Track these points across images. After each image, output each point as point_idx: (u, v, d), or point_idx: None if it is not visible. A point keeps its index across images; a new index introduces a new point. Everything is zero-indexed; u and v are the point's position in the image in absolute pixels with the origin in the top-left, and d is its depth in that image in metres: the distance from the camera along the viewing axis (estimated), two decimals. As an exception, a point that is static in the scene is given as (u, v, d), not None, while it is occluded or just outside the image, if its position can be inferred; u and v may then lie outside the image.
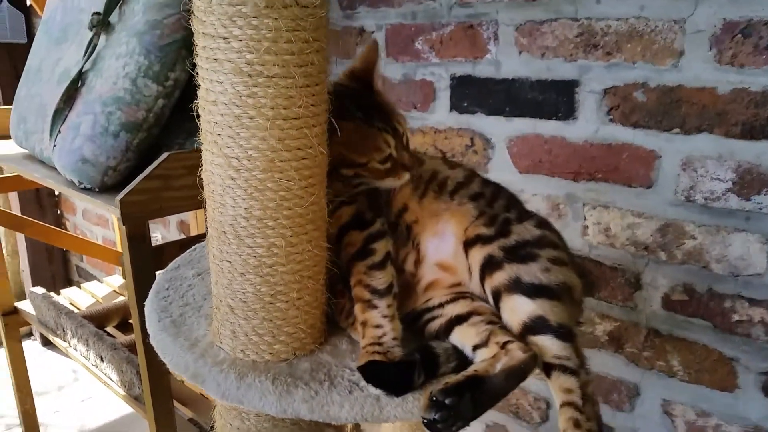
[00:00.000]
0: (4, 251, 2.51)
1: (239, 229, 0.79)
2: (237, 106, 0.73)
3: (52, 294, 2.65)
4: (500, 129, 1.62)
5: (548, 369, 0.81)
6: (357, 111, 0.90)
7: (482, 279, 0.88)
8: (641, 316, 1.42)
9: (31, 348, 3.37)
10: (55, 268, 3.77)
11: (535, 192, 1.58)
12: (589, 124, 1.43)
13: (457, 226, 0.92)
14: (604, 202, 1.45)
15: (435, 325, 0.89)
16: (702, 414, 1.38)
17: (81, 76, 1.50)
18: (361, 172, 0.90)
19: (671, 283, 1.38)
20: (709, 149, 1.26)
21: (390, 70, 1.83)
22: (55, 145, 1.67)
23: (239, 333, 0.84)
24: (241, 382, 0.79)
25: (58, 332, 2.39)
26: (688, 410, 1.41)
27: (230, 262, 0.81)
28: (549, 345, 0.81)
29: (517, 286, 0.84)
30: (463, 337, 0.85)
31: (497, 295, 0.86)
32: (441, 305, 0.91)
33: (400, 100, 1.83)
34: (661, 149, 1.34)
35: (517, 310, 0.84)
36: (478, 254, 0.88)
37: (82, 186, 1.51)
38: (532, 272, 0.85)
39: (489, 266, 0.87)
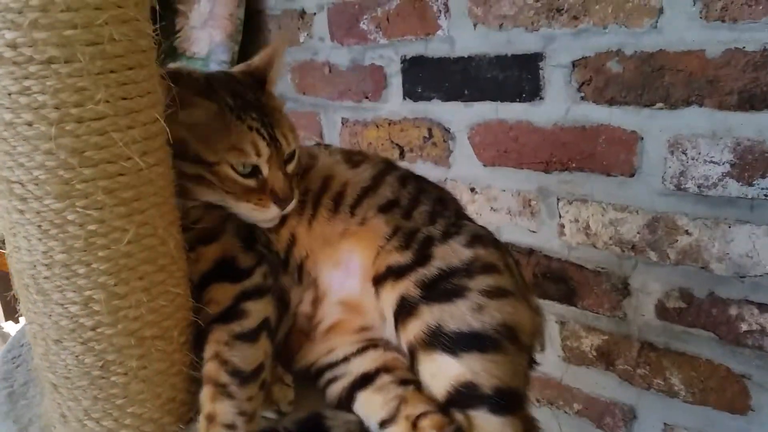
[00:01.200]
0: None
1: (41, 281, 0.56)
2: (7, 108, 0.51)
3: (5, 324, 2.46)
4: (460, 116, 1.40)
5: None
6: (228, 98, 0.69)
7: (396, 328, 0.66)
8: (632, 328, 1.22)
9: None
10: None
11: (503, 187, 1.36)
12: (557, 105, 1.22)
13: (362, 253, 0.70)
14: (581, 196, 1.23)
15: (337, 387, 0.67)
16: (711, 441, 1.15)
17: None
18: (207, 176, 0.68)
19: (665, 288, 1.17)
20: (700, 125, 1.05)
21: (336, 56, 1.61)
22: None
23: (70, 418, 0.62)
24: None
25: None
26: (694, 437, 1.18)
27: (40, 325, 0.59)
28: (483, 423, 0.59)
29: (436, 340, 0.62)
30: (368, 408, 0.64)
31: (413, 353, 0.64)
32: (345, 359, 0.69)
33: (350, 89, 1.61)
34: (643, 129, 1.13)
35: (439, 374, 0.62)
36: (389, 295, 0.67)
37: None
38: (458, 315, 0.62)
39: (402, 312, 0.65)
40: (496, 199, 1.39)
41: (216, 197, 0.69)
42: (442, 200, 0.78)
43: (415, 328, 0.63)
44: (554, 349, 1.35)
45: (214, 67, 1.71)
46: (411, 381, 0.64)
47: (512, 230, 1.36)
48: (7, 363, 0.78)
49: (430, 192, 0.78)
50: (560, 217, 1.29)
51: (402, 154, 1.54)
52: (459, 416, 0.59)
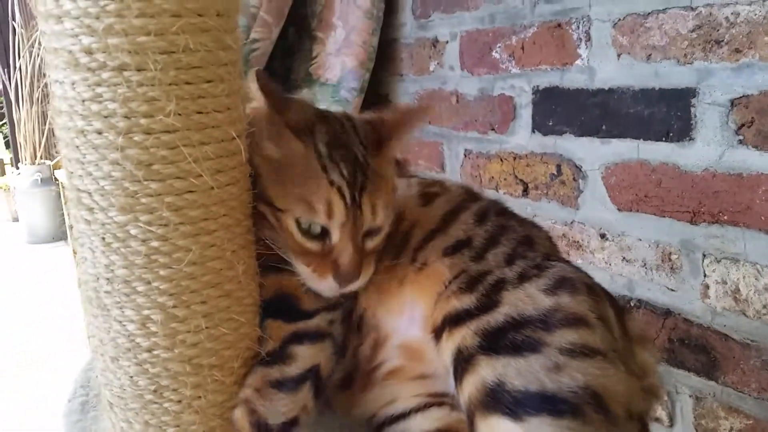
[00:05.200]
0: None
1: (102, 295, 0.54)
2: (80, 115, 0.50)
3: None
4: (594, 154, 1.27)
5: None
6: (324, 143, 0.61)
7: (456, 386, 0.56)
8: (787, 416, 1.00)
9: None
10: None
11: (640, 236, 1.21)
12: (710, 148, 1.07)
13: (424, 301, 0.62)
14: (732, 254, 1.05)
15: None
16: None
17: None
18: (271, 219, 0.61)
19: (834, 374, 0.95)
20: None
21: (465, 86, 1.55)
22: None
23: (121, 438, 0.59)
24: None
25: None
26: None
27: (100, 340, 0.57)
28: None
29: (496, 400, 0.51)
30: None
31: (471, 417, 0.54)
32: (406, 414, 0.61)
33: (476, 120, 1.53)
34: (816, 182, 0.93)
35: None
36: (447, 346, 0.57)
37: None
38: (526, 372, 0.51)
39: (460, 366, 0.56)
40: (630, 248, 1.24)
41: (277, 242, 0.62)
42: (528, 239, 0.67)
43: (470, 385, 0.54)
44: (685, 427, 1.16)
45: (344, 94, 1.71)
46: None
47: (647, 286, 1.20)
48: (89, 370, 0.78)
49: (515, 229, 0.67)
50: (705, 276, 1.11)
51: (526, 191, 1.43)
52: None
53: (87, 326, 0.59)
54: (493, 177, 1.50)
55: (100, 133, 0.50)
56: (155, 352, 0.55)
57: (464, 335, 0.55)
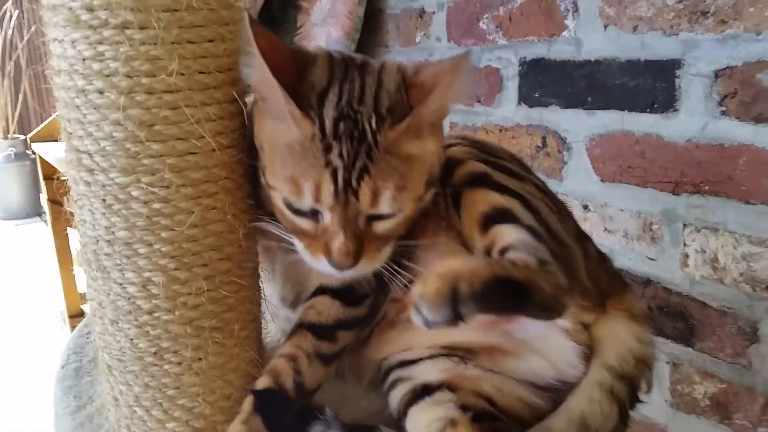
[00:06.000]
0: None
1: (102, 258, 0.54)
2: (80, 74, 0.49)
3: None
4: (579, 125, 1.28)
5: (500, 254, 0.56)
6: (333, 117, 0.54)
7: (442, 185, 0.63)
8: (757, 379, 1.06)
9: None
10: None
11: (623, 207, 1.23)
12: (694, 119, 1.08)
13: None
14: (712, 224, 1.08)
15: (398, 393, 0.61)
16: None
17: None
18: (271, 193, 0.57)
19: (805, 339, 0.99)
20: None
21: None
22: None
23: (121, 402, 0.59)
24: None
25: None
26: None
27: (99, 303, 0.56)
28: (511, 232, 0.56)
29: (484, 181, 0.62)
30: (416, 423, 0.56)
31: (457, 195, 0.62)
32: (414, 361, 0.62)
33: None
34: (796, 152, 0.96)
35: (480, 200, 0.60)
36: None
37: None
38: (508, 180, 0.62)
39: (449, 167, 0.63)
40: (612, 219, 1.26)
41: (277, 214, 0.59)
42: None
43: (460, 174, 0.63)
44: (662, 392, 1.20)
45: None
46: (472, 408, 0.55)
47: (628, 255, 1.23)
48: (81, 337, 0.78)
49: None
50: (685, 245, 1.14)
51: (512, 163, 1.44)
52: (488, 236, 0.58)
53: (86, 289, 0.59)
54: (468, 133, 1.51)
55: (101, 92, 0.49)
56: (156, 314, 0.55)
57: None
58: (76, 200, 0.54)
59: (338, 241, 0.53)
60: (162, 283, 0.54)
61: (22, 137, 4.02)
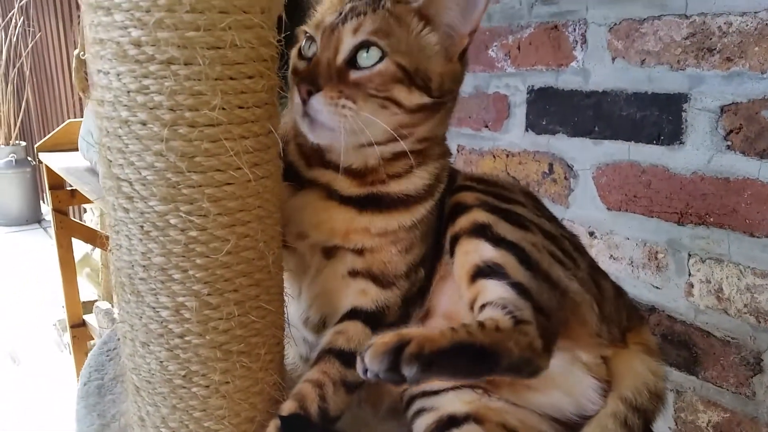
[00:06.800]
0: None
1: (137, 282, 0.56)
2: (125, 106, 0.51)
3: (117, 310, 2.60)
4: (586, 154, 1.31)
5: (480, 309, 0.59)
6: None
7: (449, 226, 0.67)
8: (760, 409, 1.07)
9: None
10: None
11: (628, 235, 1.25)
12: (699, 152, 1.11)
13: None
14: (716, 254, 1.10)
15: (423, 422, 0.63)
16: None
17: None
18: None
19: (808, 371, 1.00)
20: None
21: (460, 82, 1.56)
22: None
23: (147, 423, 0.61)
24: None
25: (115, 350, 2.30)
26: None
27: (131, 326, 0.58)
28: (495, 288, 0.59)
29: (483, 231, 0.63)
30: None
31: (455, 241, 0.65)
32: (439, 391, 0.64)
33: (470, 117, 1.56)
34: (800, 188, 0.98)
35: (473, 252, 0.62)
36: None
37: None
38: (512, 232, 0.64)
39: (457, 212, 0.67)
40: (618, 246, 1.28)
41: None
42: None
43: (463, 221, 0.65)
44: (665, 420, 1.22)
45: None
46: None
47: (633, 283, 1.25)
48: (102, 355, 0.79)
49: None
50: (690, 275, 1.16)
51: (518, 188, 1.47)
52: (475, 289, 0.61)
53: (117, 312, 0.60)
54: (485, 173, 1.53)
55: (144, 124, 0.51)
56: (187, 338, 0.57)
57: (472, 197, 0.67)
58: (112, 225, 0.56)
59: (318, 62, 0.61)
60: (195, 308, 0.55)
61: (24, 143, 4.03)
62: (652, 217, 1.21)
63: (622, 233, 1.27)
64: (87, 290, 3.48)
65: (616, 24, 1.23)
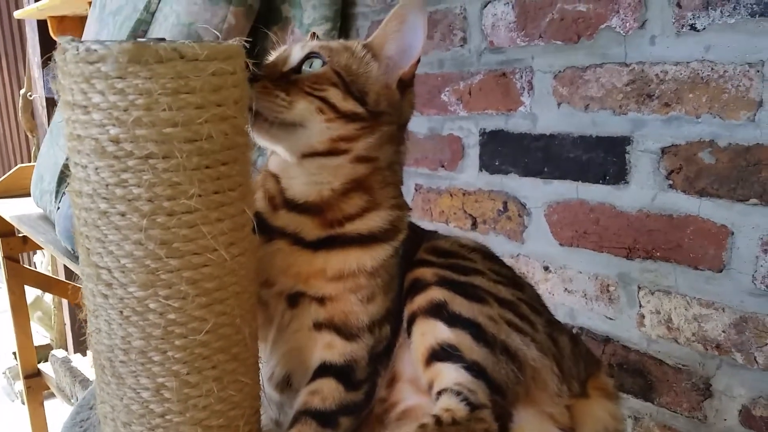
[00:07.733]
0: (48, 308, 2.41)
1: (117, 365, 0.57)
2: (103, 198, 0.53)
3: (73, 357, 2.54)
4: (537, 193, 1.36)
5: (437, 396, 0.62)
6: None
7: (407, 302, 0.70)
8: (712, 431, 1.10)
9: (58, 405, 3.27)
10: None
11: (581, 269, 1.31)
12: (644, 191, 1.17)
13: None
14: (664, 287, 1.17)
15: None
16: None
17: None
18: None
19: (752, 394, 1.09)
20: (801, 228, 0.97)
21: (415, 125, 1.62)
22: (58, 208, 1.55)
23: (129, 501, 0.61)
24: None
25: (72, 400, 2.25)
26: None
27: (111, 407, 0.59)
28: (450, 372, 0.62)
29: (438, 311, 0.66)
30: None
31: (412, 321, 0.67)
32: None
33: (426, 157, 1.61)
34: (734, 224, 1.06)
35: (428, 333, 0.65)
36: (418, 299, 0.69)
37: (76, 255, 1.36)
38: (469, 308, 0.66)
39: (414, 290, 0.69)
40: (571, 280, 1.34)
41: None
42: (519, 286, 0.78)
43: (420, 300, 0.67)
44: (626, 446, 1.27)
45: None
46: None
47: (588, 315, 1.31)
48: (75, 426, 0.79)
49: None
50: (641, 306, 1.22)
51: (474, 225, 1.52)
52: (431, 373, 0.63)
53: (98, 393, 0.61)
54: (443, 211, 1.58)
55: (123, 215, 0.53)
56: (168, 417, 0.58)
57: (426, 272, 0.69)
58: (92, 310, 0.57)
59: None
60: (174, 387, 0.57)
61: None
62: (602, 252, 1.27)
63: (575, 267, 1.33)
64: (38, 334, 3.38)
65: (560, 71, 1.30)
